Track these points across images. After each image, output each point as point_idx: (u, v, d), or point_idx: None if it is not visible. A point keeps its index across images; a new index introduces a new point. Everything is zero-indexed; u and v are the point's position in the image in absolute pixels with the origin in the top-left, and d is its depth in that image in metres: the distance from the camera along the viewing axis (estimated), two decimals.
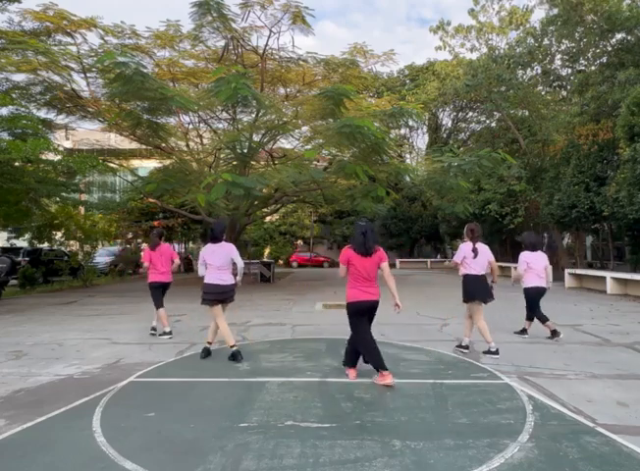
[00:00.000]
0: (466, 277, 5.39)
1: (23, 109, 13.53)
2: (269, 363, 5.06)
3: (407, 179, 16.78)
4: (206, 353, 5.35)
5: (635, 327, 7.19)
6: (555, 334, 6.19)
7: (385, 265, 4.41)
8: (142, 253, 6.60)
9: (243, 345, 6.07)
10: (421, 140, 41.10)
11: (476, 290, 5.33)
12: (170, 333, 6.62)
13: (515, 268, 19.49)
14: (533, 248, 6.56)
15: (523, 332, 6.59)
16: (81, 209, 17.49)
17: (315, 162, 19.17)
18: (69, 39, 14.16)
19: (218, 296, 5.21)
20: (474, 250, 5.32)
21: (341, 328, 7.21)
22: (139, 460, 2.77)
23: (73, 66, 14.05)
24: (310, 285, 16.15)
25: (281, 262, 31.94)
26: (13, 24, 13.60)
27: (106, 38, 14.36)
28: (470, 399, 3.81)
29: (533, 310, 6.45)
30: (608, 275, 12.46)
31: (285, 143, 18.68)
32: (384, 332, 6.77)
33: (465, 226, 5.62)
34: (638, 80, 13.39)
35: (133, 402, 3.85)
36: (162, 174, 14.57)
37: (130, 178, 18.50)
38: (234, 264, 5.32)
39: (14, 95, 13.81)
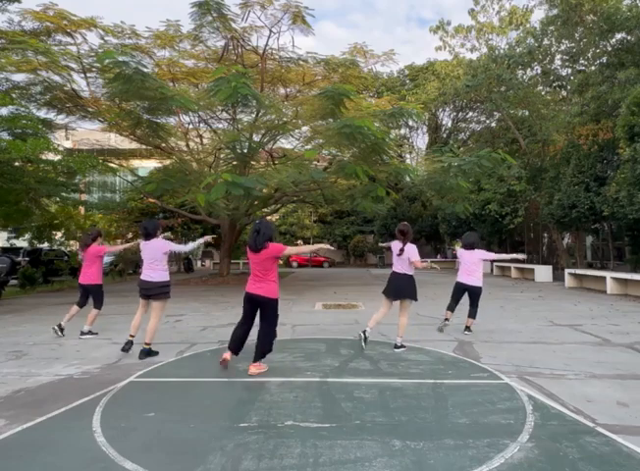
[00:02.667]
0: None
1: (23, 109, 13.54)
2: (269, 363, 5.05)
3: (407, 179, 16.78)
4: (129, 346, 5.53)
5: (635, 327, 7.19)
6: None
7: (283, 252, 4.71)
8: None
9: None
10: (421, 140, 41.19)
11: (388, 287, 5.73)
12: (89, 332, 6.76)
13: (515, 268, 19.45)
14: (468, 247, 6.86)
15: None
16: (81, 209, 17.50)
17: (315, 162, 19.17)
18: (69, 39, 14.18)
19: (144, 292, 5.45)
20: (401, 251, 5.61)
21: (341, 328, 7.22)
22: (139, 460, 2.77)
23: (73, 66, 14.06)
24: (310, 285, 16.15)
25: (281, 262, 31.93)
26: (13, 24, 13.62)
27: (106, 38, 14.39)
28: (470, 399, 3.81)
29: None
30: (608, 275, 12.46)
31: (285, 143, 18.71)
32: (384, 332, 6.77)
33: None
34: (638, 80, 13.38)
35: (133, 402, 3.85)
36: (162, 174, 14.58)
37: (130, 178, 18.51)
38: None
39: (14, 95, 13.82)
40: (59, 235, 16.53)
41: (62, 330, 6.76)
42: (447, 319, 6.91)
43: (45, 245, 17.95)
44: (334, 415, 3.48)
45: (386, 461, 2.73)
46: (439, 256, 33.00)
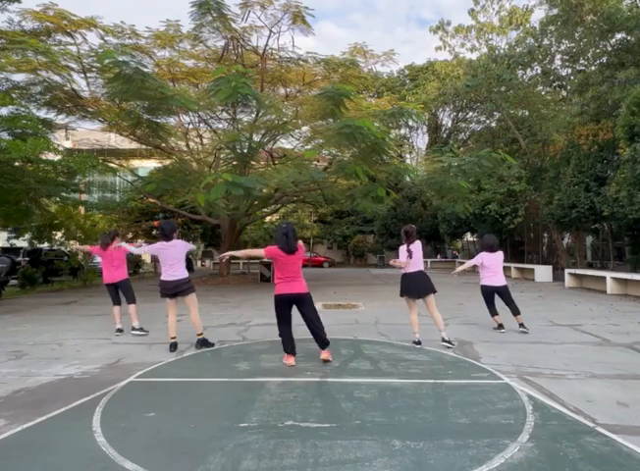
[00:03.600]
0: (403, 275, 5.93)
1: (23, 109, 13.52)
2: (269, 363, 5.05)
3: (407, 179, 16.80)
4: (174, 348, 5.74)
5: (635, 327, 7.19)
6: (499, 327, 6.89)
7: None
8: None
9: (243, 345, 6.08)
10: (421, 140, 41.20)
11: (408, 287, 5.85)
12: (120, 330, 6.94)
13: (515, 268, 19.43)
14: (491, 249, 6.99)
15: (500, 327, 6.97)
16: (81, 209, 17.49)
17: (315, 162, 19.17)
18: (69, 39, 14.17)
19: (172, 291, 5.70)
20: (409, 251, 5.76)
21: (341, 328, 7.22)
22: (139, 460, 2.77)
23: (73, 66, 14.04)
24: (310, 285, 16.14)
25: None
26: (13, 24, 13.61)
27: (106, 38, 14.38)
28: (470, 399, 3.81)
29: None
30: (608, 275, 12.46)
31: (285, 143, 18.69)
32: (384, 332, 6.77)
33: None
34: (638, 80, 13.38)
35: (133, 402, 3.85)
36: (162, 174, 14.56)
37: (130, 178, 18.50)
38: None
39: (14, 95, 13.80)
40: (59, 234, 16.51)
41: (138, 329, 6.91)
42: (500, 325, 6.93)
43: (45, 245, 17.94)
44: (334, 415, 3.48)
45: (386, 461, 2.73)
46: (439, 256, 33.00)
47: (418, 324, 5.92)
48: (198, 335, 5.87)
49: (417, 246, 5.80)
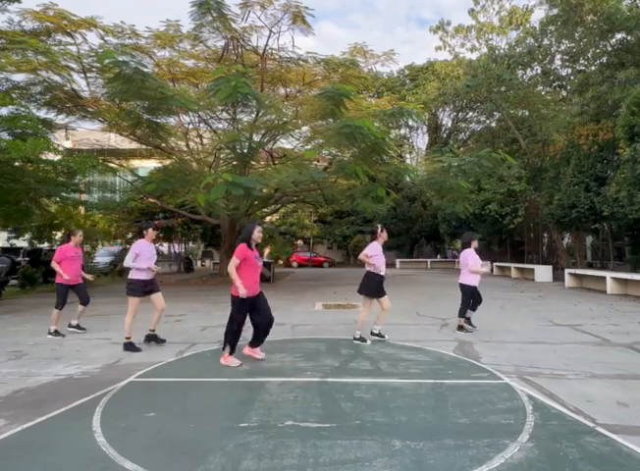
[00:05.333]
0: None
1: (23, 109, 13.52)
2: (269, 363, 5.05)
3: (407, 179, 16.80)
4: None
5: (635, 327, 7.19)
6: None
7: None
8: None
9: (243, 345, 6.07)
10: (421, 140, 41.17)
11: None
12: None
13: (515, 268, 19.44)
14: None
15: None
16: (81, 209, 17.48)
17: (315, 162, 19.16)
18: (69, 39, 14.17)
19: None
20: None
21: (341, 328, 7.22)
22: (139, 460, 2.77)
23: (73, 66, 14.04)
24: (310, 285, 16.15)
25: (281, 262, 31.93)
26: (13, 24, 13.60)
27: (106, 38, 14.37)
28: (470, 399, 3.81)
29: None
30: (608, 275, 12.46)
31: (285, 143, 18.68)
32: (384, 332, 6.76)
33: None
34: (638, 80, 13.38)
35: (133, 402, 3.85)
36: (162, 174, 14.56)
37: (130, 178, 18.49)
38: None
39: (14, 95, 13.80)
40: (59, 235, 16.50)
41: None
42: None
43: (45, 245, 17.93)
44: (334, 415, 3.48)
45: (386, 461, 2.73)
46: (439, 256, 33.01)
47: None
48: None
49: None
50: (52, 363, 5.18)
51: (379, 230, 6.19)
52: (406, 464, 2.69)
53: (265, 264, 17.91)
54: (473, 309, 7.01)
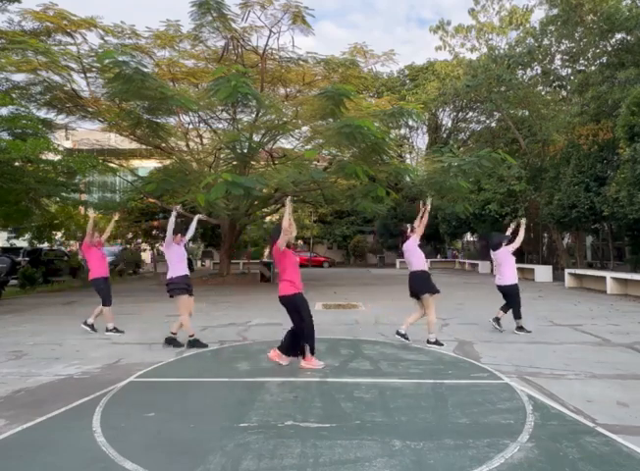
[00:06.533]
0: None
1: (23, 109, 13.52)
2: (269, 363, 5.05)
3: (407, 179, 16.77)
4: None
5: (635, 327, 7.19)
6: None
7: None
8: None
9: (243, 345, 6.08)
10: (421, 140, 41.11)
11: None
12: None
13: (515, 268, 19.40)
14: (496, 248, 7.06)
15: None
16: (81, 209, 17.48)
17: (315, 162, 19.16)
18: (69, 39, 14.17)
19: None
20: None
21: (341, 328, 7.22)
22: (139, 460, 2.77)
23: (73, 66, 14.04)
24: (310, 284, 16.14)
25: None
26: (13, 24, 13.60)
27: (106, 38, 14.37)
28: (470, 399, 3.81)
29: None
30: (608, 275, 12.45)
31: (285, 143, 18.68)
32: (384, 332, 6.77)
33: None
34: (638, 80, 13.37)
35: (133, 402, 3.85)
36: (162, 174, 14.56)
37: (130, 178, 18.48)
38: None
39: (14, 95, 13.80)
40: (59, 234, 16.50)
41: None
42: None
43: (45, 245, 17.93)
44: (334, 415, 3.48)
45: (386, 461, 2.73)
46: (439, 256, 33.00)
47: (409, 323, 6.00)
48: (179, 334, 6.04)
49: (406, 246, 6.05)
50: (52, 363, 5.18)
51: (408, 229, 6.13)
52: (406, 464, 2.69)
53: (265, 264, 17.94)
54: (505, 311, 6.91)
